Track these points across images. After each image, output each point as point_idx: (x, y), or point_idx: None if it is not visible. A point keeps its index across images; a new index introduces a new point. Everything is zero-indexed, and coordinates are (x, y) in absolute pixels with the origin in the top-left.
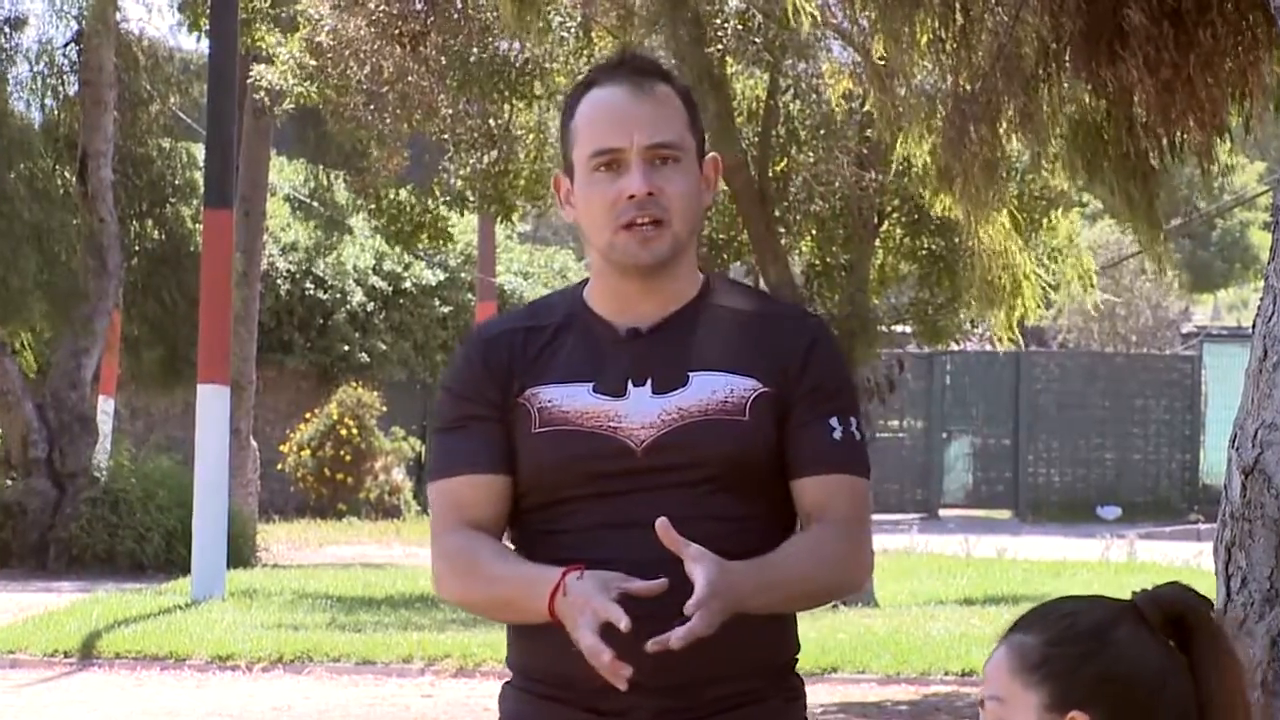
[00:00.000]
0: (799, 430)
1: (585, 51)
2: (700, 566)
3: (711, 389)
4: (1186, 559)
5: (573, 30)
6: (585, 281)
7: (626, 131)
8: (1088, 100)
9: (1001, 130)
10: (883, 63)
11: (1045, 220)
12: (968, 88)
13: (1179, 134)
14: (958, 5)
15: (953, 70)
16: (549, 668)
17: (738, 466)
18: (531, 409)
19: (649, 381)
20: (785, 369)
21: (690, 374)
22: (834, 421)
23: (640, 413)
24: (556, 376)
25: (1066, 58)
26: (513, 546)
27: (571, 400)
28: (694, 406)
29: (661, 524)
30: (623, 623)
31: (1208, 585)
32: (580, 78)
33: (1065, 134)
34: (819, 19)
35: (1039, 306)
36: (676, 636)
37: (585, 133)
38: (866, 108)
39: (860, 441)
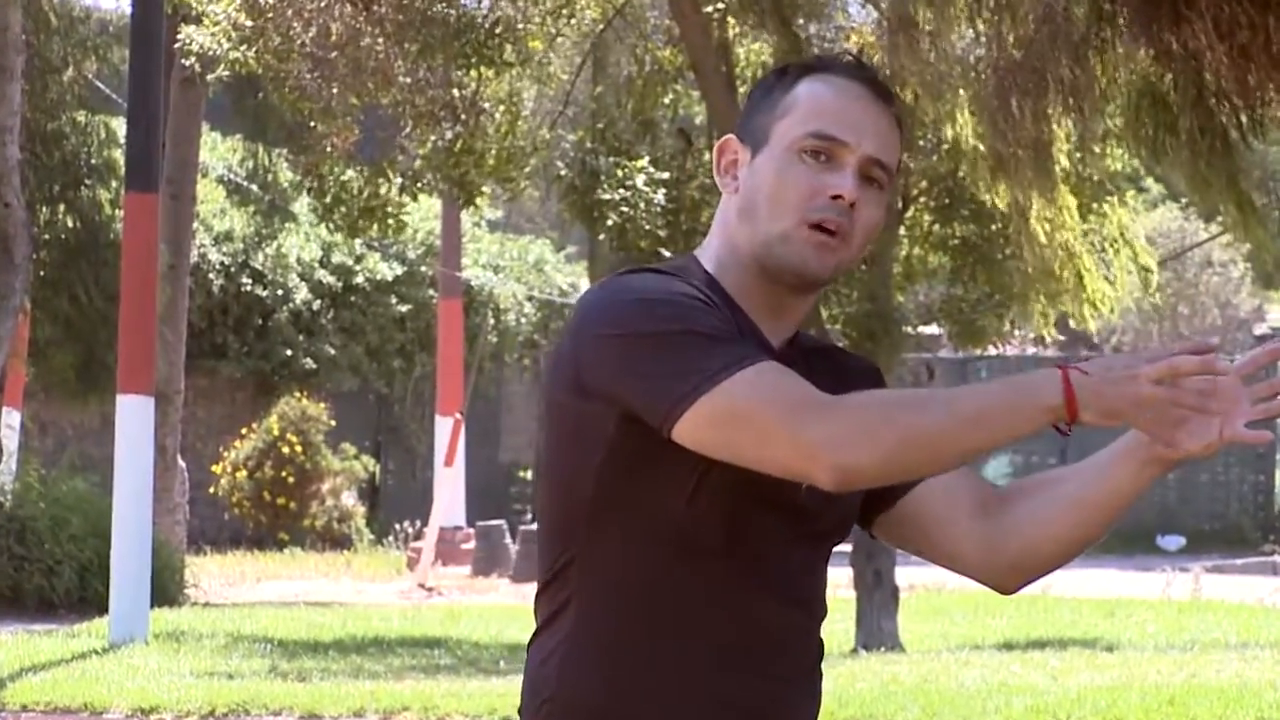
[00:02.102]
0: None
1: (564, 11)
2: None
3: None
4: (1260, 596)
5: None
6: (693, 263)
7: (859, 131)
8: (1150, 69)
9: (1049, 105)
10: (913, 27)
11: (1096, 206)
12: (1014, 54)
13: (1259, 105)
14: None
15: (993, 36)
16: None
17: (853, 513)
18: None
19: None
20: None
21: None
22: None
23: None
24: None
25: (1123, 20)
26: (558, 563)
27: None
28: None
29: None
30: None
31: None
32: (810, 61)
33: (1125, 107)
34: None
35: (1104, 299)
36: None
37: (810, 109)
38: (888, 74)
39: None
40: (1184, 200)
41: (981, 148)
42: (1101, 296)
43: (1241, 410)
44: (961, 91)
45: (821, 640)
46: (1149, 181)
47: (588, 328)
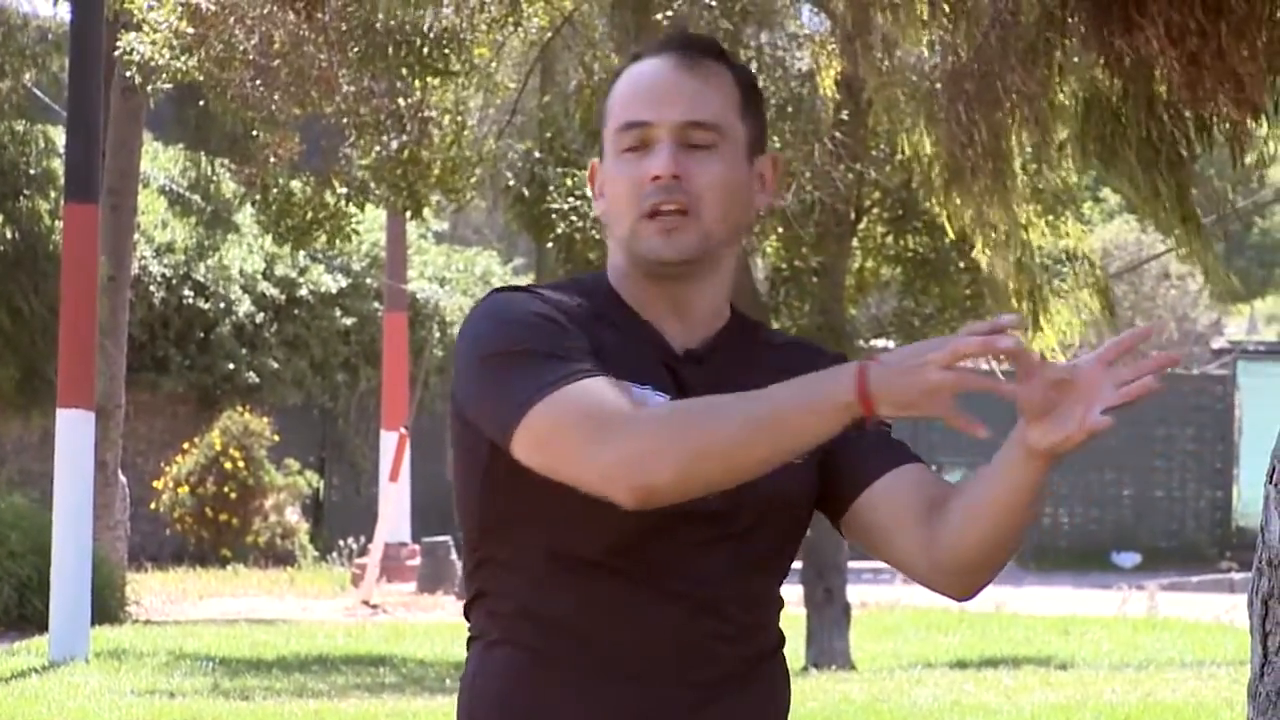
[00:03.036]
0: (846, 448)
1: (511, 19)
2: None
3: None
4: (1217, 613)
5: None
6: (595, 277)
7: (659, 105)
8: (1101, 76)
9: (1002, 113)
10: (867, 34)
11: (1051, 219)
12: (967, 62)
13: (1209, 115)
14: None
15: (948, 43)
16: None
17: (788, 512)
18: None
19: None
20: None
21: None
22: (876, 427)
23: None
24: (635, 378)
25: (1075, 25)
26: (471, 584)
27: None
28: None
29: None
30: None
31: (1241, 644)
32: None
33: (1075, 116)
34: None
35: (1061, 323)
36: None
37: (617, 107)
38: (832, 86)
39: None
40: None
41: (928, 157)
42: (1061, 319)
43: (1103, 397)
44: (915, 101)
45: (773, 635)
46: (1106, 192)
47: (457, 352)
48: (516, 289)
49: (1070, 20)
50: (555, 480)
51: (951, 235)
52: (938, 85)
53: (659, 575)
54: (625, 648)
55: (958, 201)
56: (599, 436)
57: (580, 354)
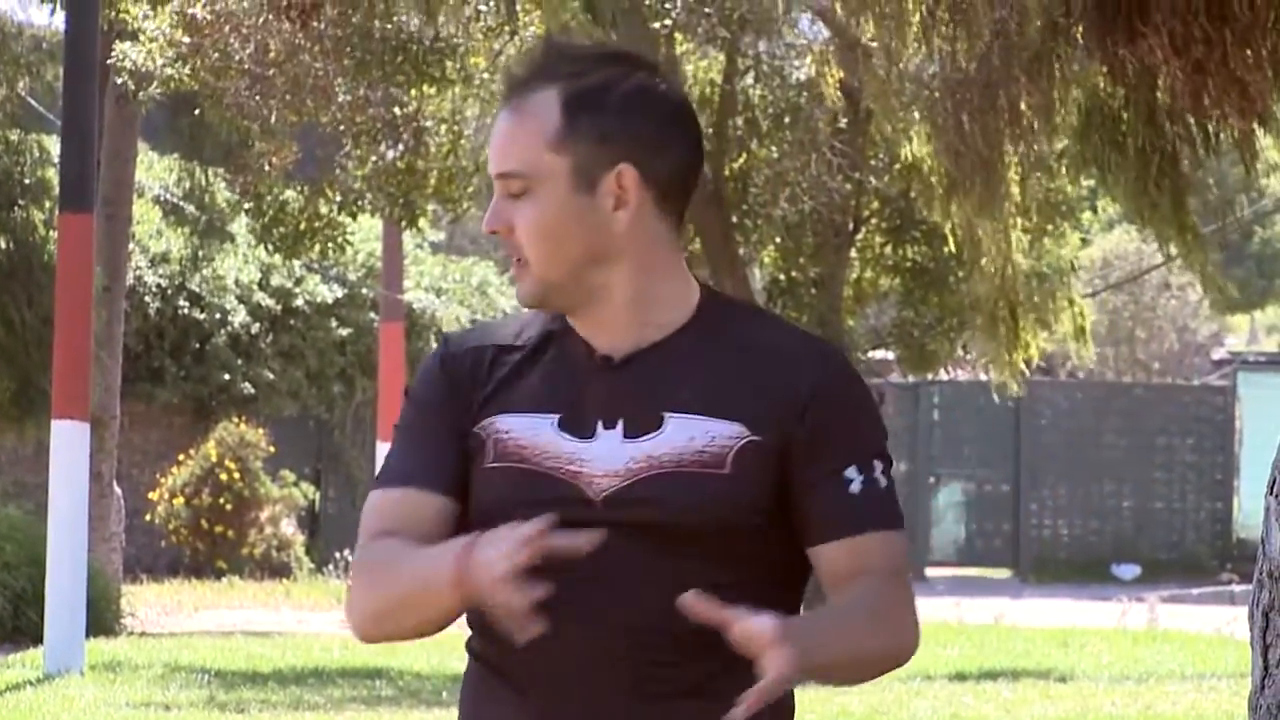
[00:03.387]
0: (809, 492)
1: (507, 27)
2: (749, 619)
3: (689, 435)
4: (1217, 625)
5: (491, 3)
6: None
7: (491, 157)
8: (1102, 85)
9: (1003, 123)
10: (873, 43)
11: (1051, 229)
12: (964, 68)
13: (1213, 124)
14: None
15: (948, 53)
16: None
17: (712, 528)
18: (487, 440)
19: (620, 423)
20: (782, 415)
21: (666, 416)
22: (851, 473)
23: (606, 458)
24: (520, 405)
25: (1078, 34)
26: None
27: (533, 434)
28: (666, 455)
29: (689, 598)
30: (539, 536)
31: (1241, 656)
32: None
33: (1075, 125)
34: None
35: (1032, 342)
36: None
37: None
38: (835, 95)
39: (888, 490)
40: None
41: (927, 167)
42: (1031, 337)
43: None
44: (915, 111)
45: (717, 647)
46: (1103, 202)
47: None
48: (446, 338)
49: (1074, 30)
50: (485, 496)
51: (952, 245)
52: (937, 94)
53: (592, 588)
54: (567, 661)
55: (954, 212)
56: (352, 572)
57: (422, 429)
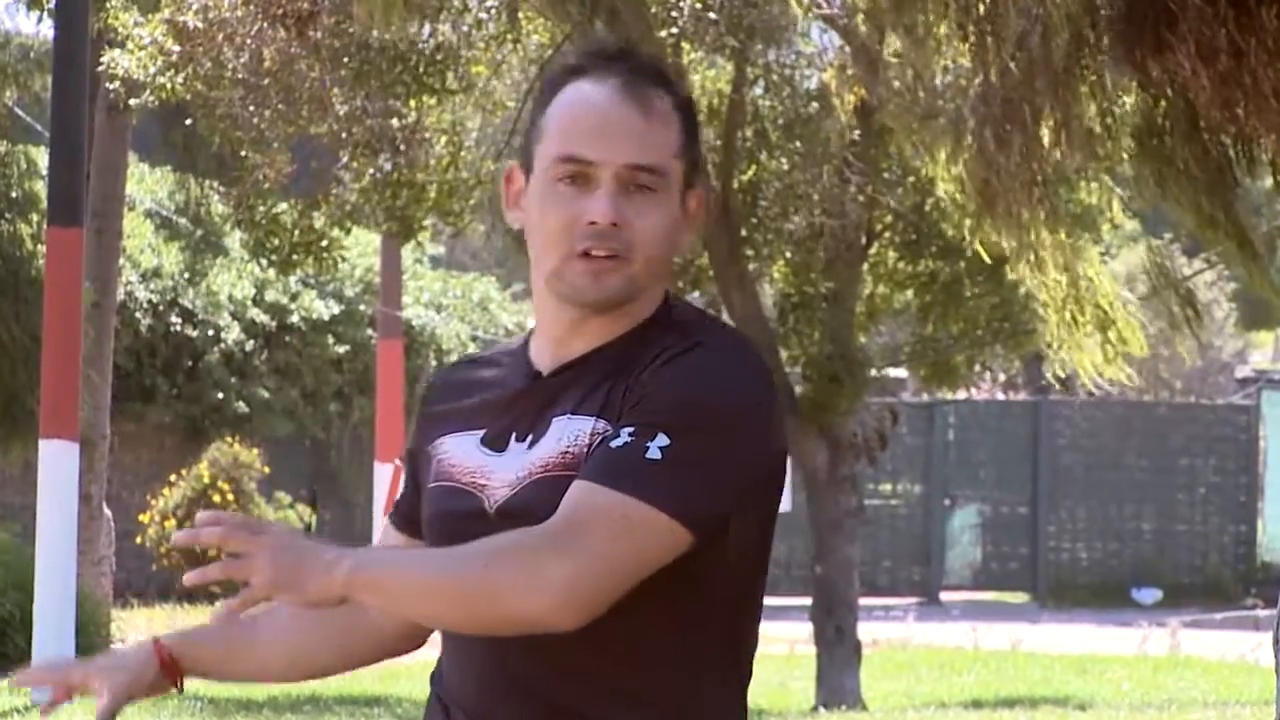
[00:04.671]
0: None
1: (509, 36)
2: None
3: (558, 438)
4: (1241, 652)
5: (493, 10)
6: None
7: (606, 143)
8: (1145, 99)
9: (1044, 136)
10: (895, 58)
11: (1073, 242)
12: (991, 82)
13: (1247, 139)
14: None
15: (973, 67)
16: None
17: None
18: (433, 461)
19: (528, 435)
20: (624, 395)
21: (553, 421)
22: (624, 430)
23: (507, 469)
24: (461, 424)
25: (1105, 46)
26: None
27: (461, 453)
28: (539, 460)
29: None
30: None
31: (1266, 683)
32: (570, 60)
33: (1128, 139)
34: (804, 5)
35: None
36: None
37: (558, 130)
38: (849, 103)
39: (651, 462)
40: (1168, 236)
41: (952, 183)
42: (1135, 337)
43: None
44: (936, 127)
45: (639, 682)
46: (1121, 217)
47: None
48: (442, 371)
49: (1101, 41)
50: (424, 513)
51: (982, 260)
52: (953, 105)
53: None
54: (465, 681)
55: (989, 229)
56: None
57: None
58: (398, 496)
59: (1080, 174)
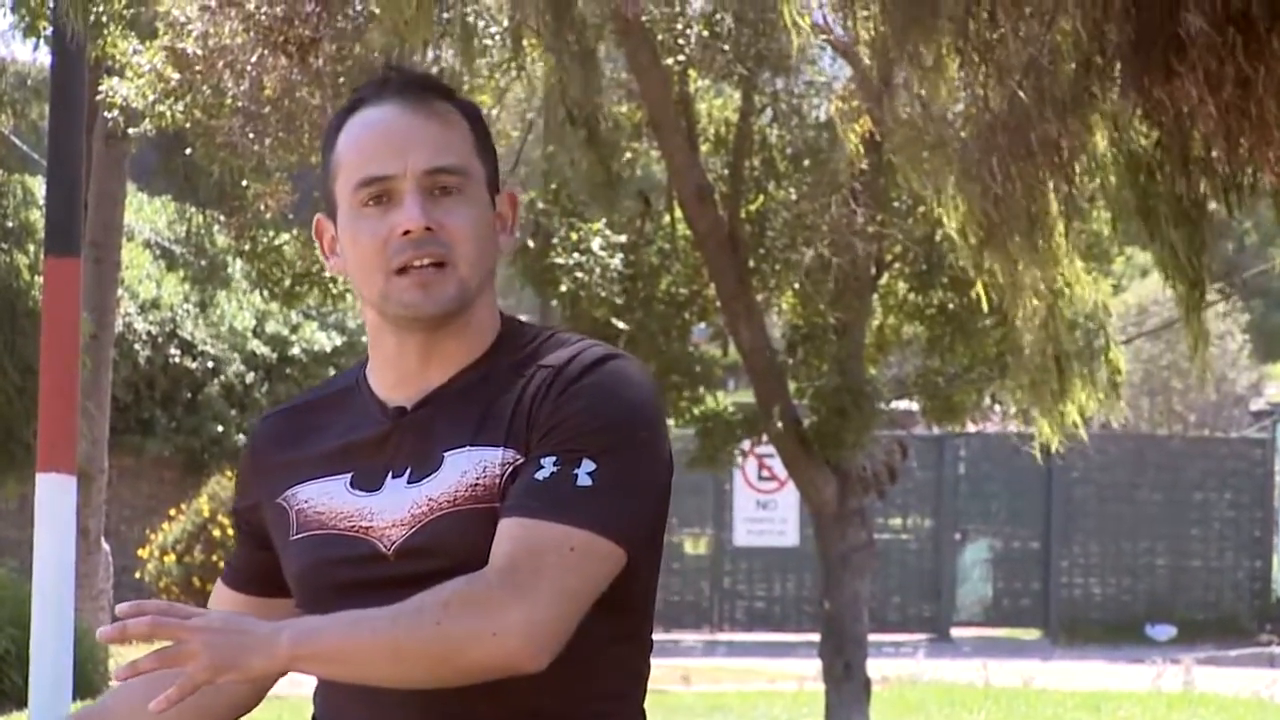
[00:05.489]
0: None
1: (513, 64)
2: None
3: (461, 470)
4: (1256, 689)
5: (497, 37)
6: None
7: (399, 155)
8: (1139, 129)
9: (1039, 167)
10: (901, 87)
11: (1083, 275)
12: (993, 112)
13: (1243, 171)
14: (984, 14)
15: (978, 95)
16: None
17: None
18: (290, 512)
19: (407, 470)
20: (534, 425)
21: (444, 454)
22: (547, 460)
23: (391, 508)
24: (317, 471)
25: (1114, 74)
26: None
27: (328, 498)
28: (443, 495)
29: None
30: None
31: None
32: (342, 103)
33: (1116, 170)
34: (809, 32)
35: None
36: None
37: (350, 161)
38: (856, 136)
39: (581, 489)
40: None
41: (958, 217)
42: (1083, 389)
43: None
44: (942, 157)
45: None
46: (1135, 249)
47: None
48: (263, 417)
49: (1109, 69)
50: (292, 568)
51: (984, 297)
52: (963, 135)
53: None
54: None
55: (988, 263)
56: None
57: (238, 545)
58: (235, 555)
59: (1091, 204)
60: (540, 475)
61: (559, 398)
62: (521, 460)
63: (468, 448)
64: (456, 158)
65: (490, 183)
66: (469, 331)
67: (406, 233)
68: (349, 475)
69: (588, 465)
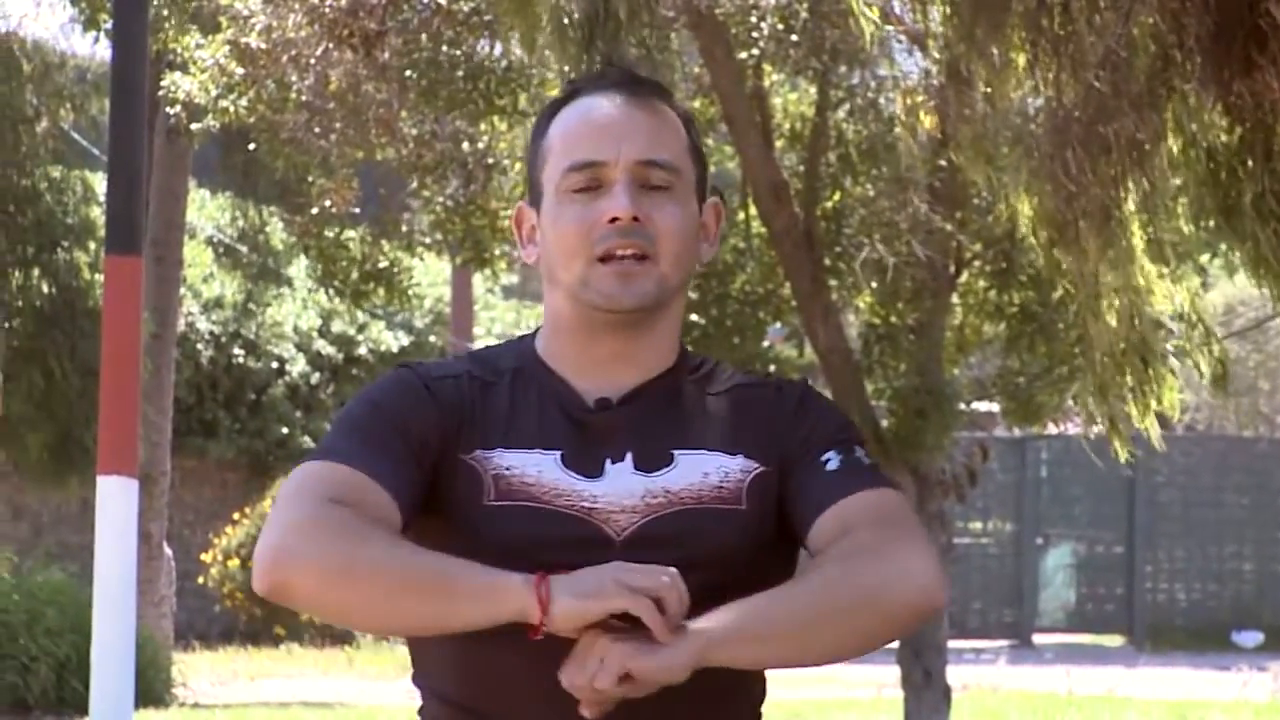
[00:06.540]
0: (797, 490)
1: (585, 56)
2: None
3: (703, 471)
4: None
5: (570, 28)
6: (533, 333)
7: (613, 142)
8: (1220, 124)
9: (1113, 164)
10: (964, 80)
11: (1173, 273)
12: (1066, 107)
13: None
14: (1058, 5)
15: (1051, 91)
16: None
17: (735, 563)
18: (484, 474)
19: (629, 456)
20: (780, 439)
21: (676, 453)
22: (830, 455)
23: (620, 494)
24: (517, 441)
25: (1193, 68)
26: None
27: (538, 471)
28: (684, 491)
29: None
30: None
31: None
32: (564, 89)
33: (1192, 166)
34: (879, 24)
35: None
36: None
37: (562, 147)
38: (925, 128)
39: (871, 465)
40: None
41: (1030, 215)
42: (1169, 398)
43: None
44: (1014, 154)
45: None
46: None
47: None
48: (408, 366)
49: (1187, 62)
50: (493, 534)
51: (1065, 295)
52: (1034, 128)
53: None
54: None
55: (1061, 261)
56: (277, 516)
57: (384, 431)
58: (377, 455)
59: (1174, 200)
60: (833, 465)
61: (803, 412)
62: (760, 469)
63: (703, 450)
64: (670, 154)
65: (699, 188)
66: (657, 334)
67: (614, 220)
68: (559, 453)
69: (858, 450)
